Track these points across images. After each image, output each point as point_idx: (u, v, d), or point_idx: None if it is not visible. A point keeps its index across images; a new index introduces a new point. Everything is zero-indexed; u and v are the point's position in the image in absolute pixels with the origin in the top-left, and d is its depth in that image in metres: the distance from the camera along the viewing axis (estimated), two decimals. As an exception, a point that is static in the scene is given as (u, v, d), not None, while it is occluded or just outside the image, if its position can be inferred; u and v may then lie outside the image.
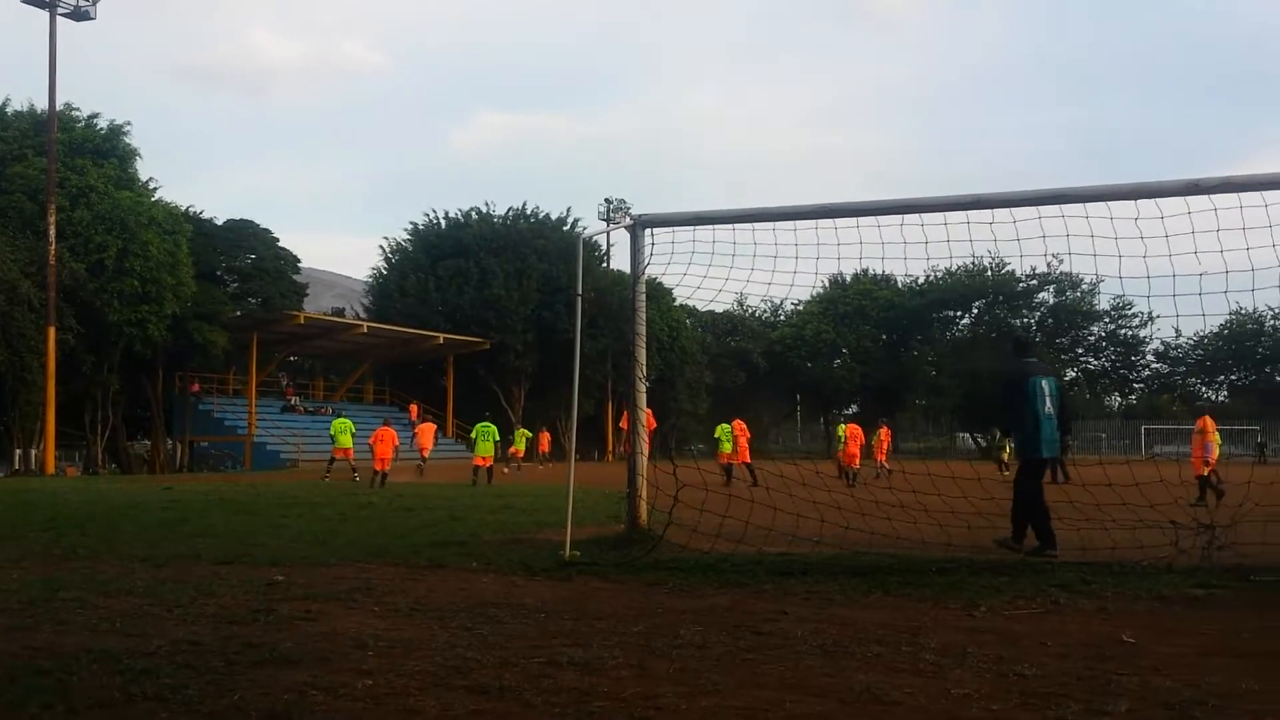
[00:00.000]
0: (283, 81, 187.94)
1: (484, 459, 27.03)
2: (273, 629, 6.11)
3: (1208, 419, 19.65)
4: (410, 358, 56.51)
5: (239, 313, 46.57)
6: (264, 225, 50.02)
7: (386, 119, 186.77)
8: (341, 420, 29.97)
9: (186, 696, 4.56)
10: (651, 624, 6.25)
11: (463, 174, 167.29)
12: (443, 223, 57.98)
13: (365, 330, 49.85)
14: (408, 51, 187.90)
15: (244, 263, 49.06)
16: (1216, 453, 19.66)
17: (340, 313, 59.28)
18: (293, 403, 51.20)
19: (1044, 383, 10.10)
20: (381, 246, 59.27)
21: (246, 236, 49.13)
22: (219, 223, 48.82)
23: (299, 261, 51.85)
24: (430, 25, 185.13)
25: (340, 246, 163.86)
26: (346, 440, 27.64)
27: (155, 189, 43.33)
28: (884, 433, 31.28)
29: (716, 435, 27.27)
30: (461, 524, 13.12)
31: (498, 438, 29.14)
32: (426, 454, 32.55)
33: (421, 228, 58.21)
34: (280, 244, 50.22)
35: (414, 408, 54.49)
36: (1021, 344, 11.94)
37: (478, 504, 16.85)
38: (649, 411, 23.10)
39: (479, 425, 28.79)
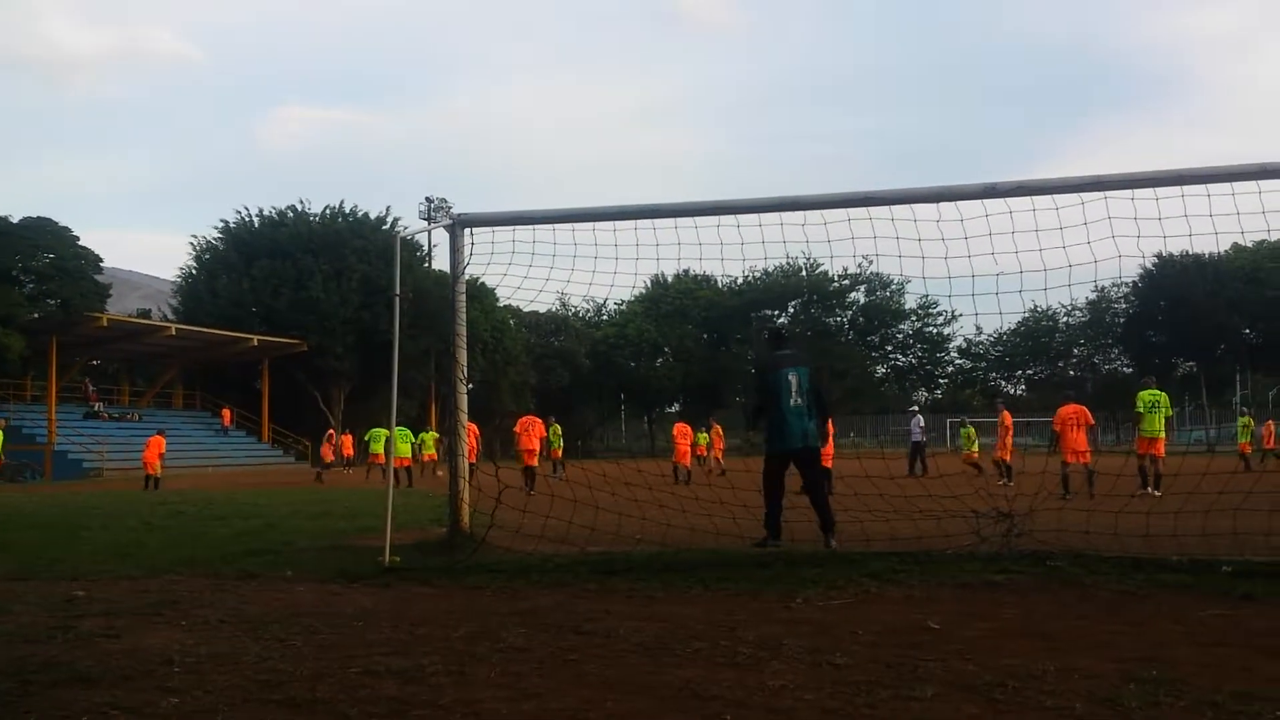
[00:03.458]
0: (83, 72, 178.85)
1: (402, 460, 27.46)
2: (72, 647, 5.80)
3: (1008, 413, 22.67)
4: (223, 361, 54.56)
5: (36, 315, 44.17)
6: (63, 223, 47.66)
7: (194, 112, 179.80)
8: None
9: (-27, 724, 4.29)
10: (473, 628, 6.19)
11: (276, 171, 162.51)
12: (256, 221, 56.16)
13: (173, 332, 47.97)
14: (216, 42, 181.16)
15: (42, 262, 46.49)
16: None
17: (146, 314, 56.93)
18: (96, 409, 48.75)
19: (791, 375, 10.06)
20: (191, 244, 57.18)
21: (44, 235, 46.58)
22: (14, 220, 46.16)
23: (101, 261, 49.50)
24: (240, 16, 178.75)
25: (146, 245, 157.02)
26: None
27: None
28: (717, 429, 32.02)
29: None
30: (277, 531, 12.72)
31: (413, 439, 29.70)
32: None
33: (233, 226, 56.21)
34: (81, 243, 47.89)
35: (226, 413, 52.74)
36: (776, 336, 11.78)
37: (296, 510, 16.38)
38: (538, 421, 23.77)
39: (396, 429, 29.33)
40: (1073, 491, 15.22)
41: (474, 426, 25.45)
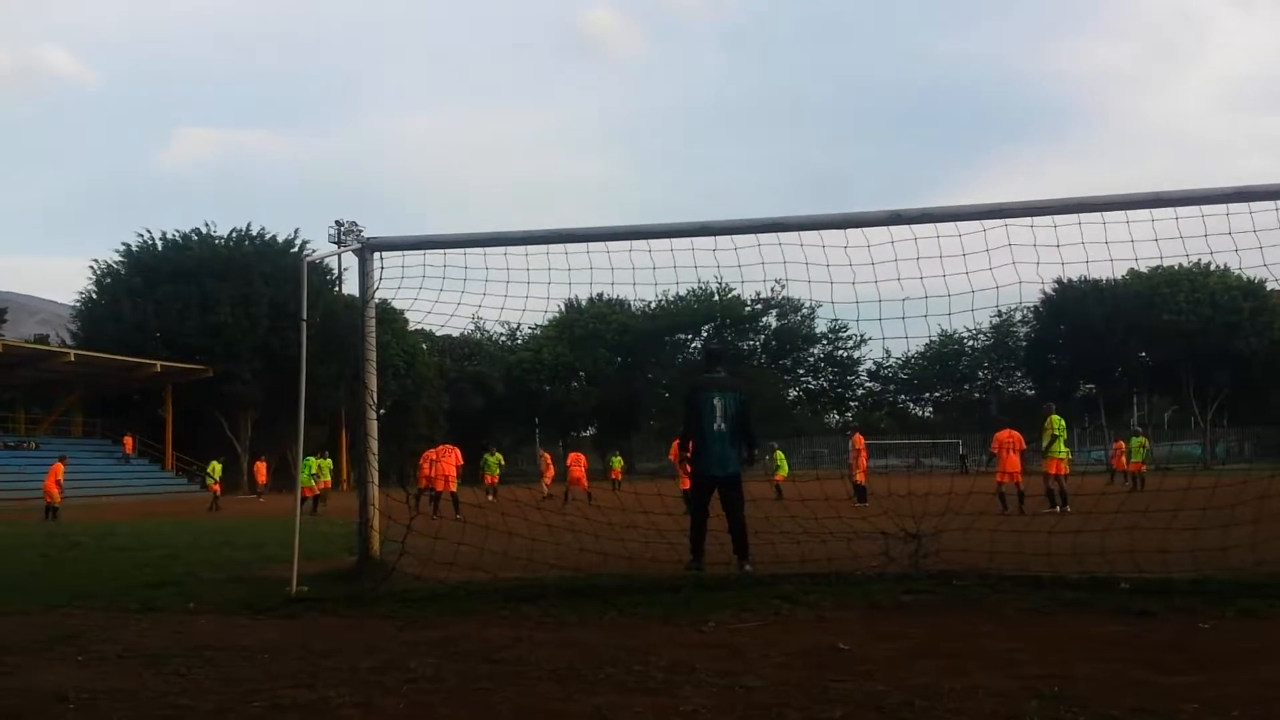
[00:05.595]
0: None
1: (308, 490, 27.08)
2: (-40, 686, 5.58)
3: (859, 436, 24.56)
4: (125, 387, 53.30)
5: (-74, 341, 42.71)
6: (-45, 246, 46.19)
7: (93, 133, 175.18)
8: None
9: None
10: (382, 659, 6.09)
11: (180, 194, 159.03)
12: (159, 244, 55.02)
13: (72, 358, 46.81)
14: (115, 62, 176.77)
15: (-69, 286, 44.98)
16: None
17: (44, 340, 55.34)
18: (-10, 438, 47.29)
19: (716, 398, 9.91)
20: (92, 268, 55.82)
21: (-66, 258, 45.07)
22: (-98, 243, 44.65)
23: (-4, 285, 48.12)
24: (139, 35, 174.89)
25: (43, 269, 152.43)
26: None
27: None
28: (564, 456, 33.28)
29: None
30: (179, 562, 12.39)
31: (314, 469, 29.73)
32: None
33: (136, 249, 55.01)
34: (-26, 266, 46.46)
35: (128, 440, 51.45)
36: (711, 356, 11.69)
37: (197, 541, 15.99)
38: (454, 449, 23.51)
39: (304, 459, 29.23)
40: (1009, 510, 16.31)
41: (455, 450, 24.27)
